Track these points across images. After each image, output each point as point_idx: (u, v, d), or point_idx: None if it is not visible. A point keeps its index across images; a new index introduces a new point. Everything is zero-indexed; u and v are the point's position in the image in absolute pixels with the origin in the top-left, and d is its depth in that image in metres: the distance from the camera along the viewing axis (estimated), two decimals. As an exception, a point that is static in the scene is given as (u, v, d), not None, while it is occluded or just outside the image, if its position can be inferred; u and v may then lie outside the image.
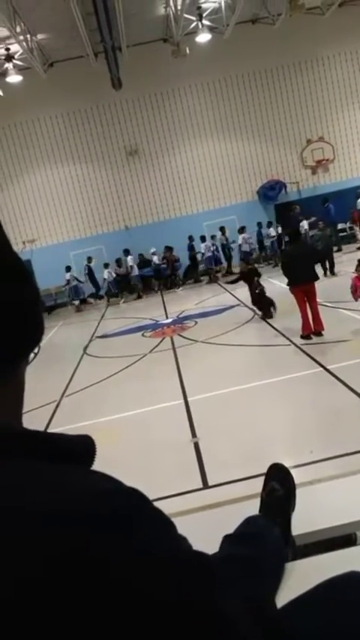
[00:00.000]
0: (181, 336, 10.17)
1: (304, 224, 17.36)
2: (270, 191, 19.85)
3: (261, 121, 19.93)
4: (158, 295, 17.70)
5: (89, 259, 18.48)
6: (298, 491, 1.84)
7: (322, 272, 11.97)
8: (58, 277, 18.05)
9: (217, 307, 12.66)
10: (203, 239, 18.48)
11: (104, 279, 18.09)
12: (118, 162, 19.71)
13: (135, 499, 0.55)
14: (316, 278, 7.93)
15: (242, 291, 14.52)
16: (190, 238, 18.63)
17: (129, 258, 18.32)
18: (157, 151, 19.75)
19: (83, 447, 0.61)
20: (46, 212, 19.70)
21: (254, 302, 10.04)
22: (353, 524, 1.97)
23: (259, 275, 10.24)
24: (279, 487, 1.72)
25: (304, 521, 1.85)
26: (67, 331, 14.94)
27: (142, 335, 11.17)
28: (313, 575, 1.71)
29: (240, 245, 18.07)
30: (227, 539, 1.48)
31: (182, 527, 2.21)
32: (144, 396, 6.84)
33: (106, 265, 18.15)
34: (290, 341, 7.87)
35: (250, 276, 10.10)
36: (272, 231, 18.57)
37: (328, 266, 12.99)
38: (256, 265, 13.02)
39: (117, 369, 8.43)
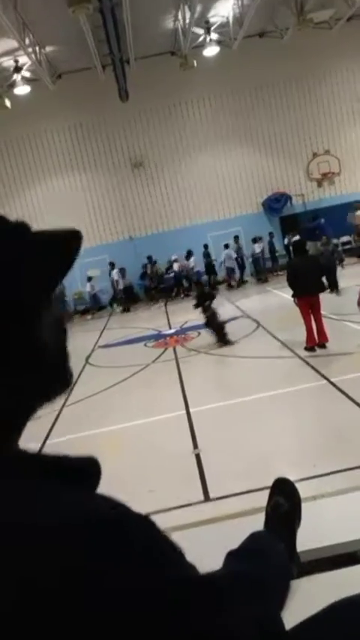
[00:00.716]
0: (184, 346, 10.13)
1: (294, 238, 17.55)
2: (275, 203, 19.89)
3: (267, 133, 20.03)
4: (149, 307, 17.82)
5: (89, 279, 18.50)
6: (303, 506, 1.80)
7: (329, 289, 11.50)
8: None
9: (221, 318, 12.60)
10: (190, 254, 18.59)
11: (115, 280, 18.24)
12: (123, 173, 19.81)
13: (142, 526, 0.54)
14: (322, 290, 7.90)
15: (245, 302, 14.52)
16: (205, 247, 18.82)
17: (114, 272, 18.32)
18: (162, 162, 19.84)
19: (87, 469, 0.59)
20: (51, 222, 19.71)
21: (207, 326, 9.85)
22: (358, 542, 1.91)
23: (211, 298, 10.20)
24: (284, 502, 1.67)
25: (308, 537, 1.80)
26: (69, 340, 14.92)
27: (145, 345, 11.13)
28: (318, 593, 1.65)
29: (223, 261, 18.09)
30: (231, 555, 1.43)
31: (184, 541, 2.14)
32: (146, 406, 6.78)
33: (112, 265, 18.35)
34: (294, 353, 7.81)
35: (203, 300, 10.03)
36: (257, 248, 18.49)
37: (330, 282, 12.69)
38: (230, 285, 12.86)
39: (119, 379, 8.38)
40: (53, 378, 0.66)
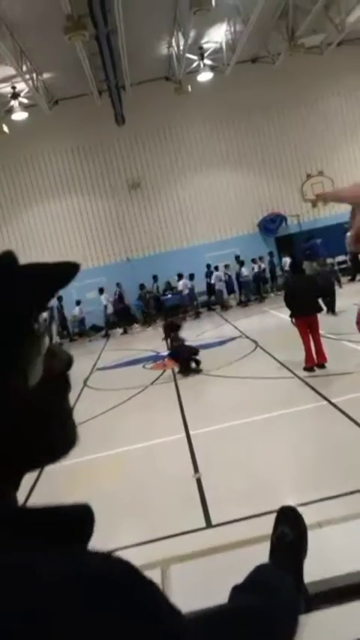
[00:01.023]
0: (182, 367, 10.06)
1: (287, 261, 17.69)
2: (271, 224, 20.06)
3: (262, 155, 20.29)
4: (144, 328, 17.83)
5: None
6: (308, 534, 1.75)
7: (325, 310, 11.05)
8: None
9: (219, 339, 12.59)
10: (181, 277, 18.60)
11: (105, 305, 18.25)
12: (120, 194, 19.98)
13: (136, 581, 0.51)
14: (319, 310, 7.91)
15: (243, 322, 14.51)
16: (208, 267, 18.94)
17: (102, 297, 18.36)
18: (159, 184, 20.04)
19: (76, 523, 0.56)
20: (48, 243, 19.86)
21: (171, 356, 9.79)
22: (368, 572, 1.86)
23: (176, 329, 10.20)
24: (290, 531, 1.62)
25: (315, 567, 1.75)
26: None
27: (143, 367, 11.08)
28: (328, 628, 1.60)
29: (214, 283, 18.14)
30: (237, 589, 1.38)
31: (187, 574, 2.07)
32: (145, 429, 6.71)
33: (101, 290, 18.40)
34: (293, 373, 7.77)
35: (169, 330, 10.04)
36: (245, 271, 18.56)
37: (327, 303, 11.77)
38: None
39: (117, 402, 8.31)
40: (47, 440, 0.63)
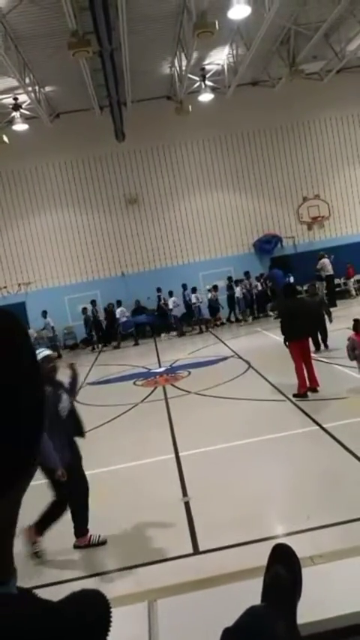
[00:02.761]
0: (174, 386, 10.00)
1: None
2: (266, 244, 20.17)
3: (259, 177, 20.47)
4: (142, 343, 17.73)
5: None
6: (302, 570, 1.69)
7: (314, 347, 9.53)
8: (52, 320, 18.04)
9: (211, 358, 12.54)
10: (170, 294, 18.57)
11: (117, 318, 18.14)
12: (117, 209, 20.03)
13: None
14: (313, 334, 7.89)
15: (236, 342, 14.48)
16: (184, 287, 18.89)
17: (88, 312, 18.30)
18: (156, 200, 20.13)
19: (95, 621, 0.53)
20: (43, 256, 19.83)
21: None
22: (362, 614, 1.80)
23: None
24: (284, 572, 1.56)
25: (307, 608, 1.68)
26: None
27: (134, 383, 10.98)
28: None
29: (171, 309, 18.15)
30: (229, 632, 1.32)
31: (175, 609, 1.98)
32: (134, 448, 6.62)
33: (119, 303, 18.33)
34: (285, 397, 7.72)
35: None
36: (238, 291, 18.50)
37: (320, 337, 10.53)
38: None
39: (106, 419, 8.21)
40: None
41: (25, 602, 0.54)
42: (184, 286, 18.81)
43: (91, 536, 4.27)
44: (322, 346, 10.52)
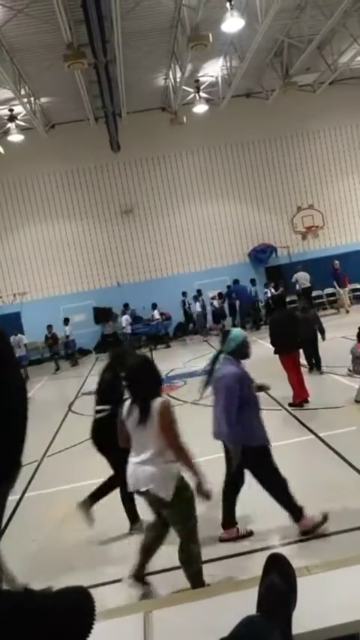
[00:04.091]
0: (170, 396, 9.97)
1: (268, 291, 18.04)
2: (261, 254, 20.26)
3: (254, 187, 20.60)
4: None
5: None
6: (297, 580, 1.68)
7: (307, 368, 8.99)
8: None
9: (207, 367, 12.50)
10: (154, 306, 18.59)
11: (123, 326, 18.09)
12: (112, 219, 20.10)
13: None
14: (299, 346, 7.81)
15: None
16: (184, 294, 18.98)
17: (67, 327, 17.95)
18: (151, 211, 20.22)
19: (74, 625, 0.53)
20: (39, 266, 19.84)
21: None
22: (357, 624, 1.80)
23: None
24: (279, 581, 1.56)
25: (303, 618, 1.68)
26: (52, 387, 14.67)
27: (130, 393, 10.93)
28: None
29: (124, 327, 18.17)
30: (226, 644, 1.32)
31: (170, 620, 1.98)
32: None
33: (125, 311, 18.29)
34: (281, 405, 7.72)
35: None
36: (197, 306, 18.59)
37: (313, 360, 9.40)
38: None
39: (102, 429, 8.17)
40: None
41: (10, 600, 0.54)
42: (184, 294, 18.89)
43: (238, 529, 4.23)
44: (315, 370, 9.25)
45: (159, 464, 3.29)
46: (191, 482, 3.37)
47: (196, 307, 18.51)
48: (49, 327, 17.24)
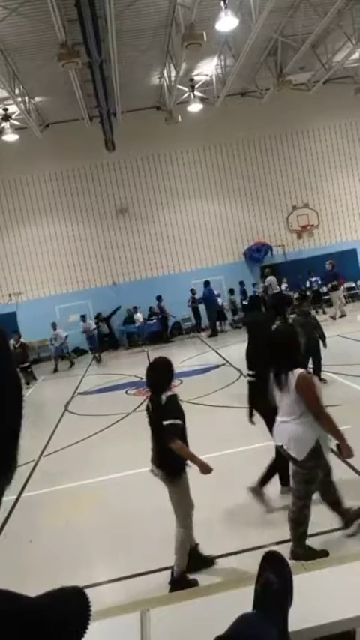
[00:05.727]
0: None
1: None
2: (256, 253, 20.29)
3: (249, 186, 20.63)
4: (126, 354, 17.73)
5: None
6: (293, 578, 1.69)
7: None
8: (42, 330, 17.90)
9: (203, 366, 12.55)
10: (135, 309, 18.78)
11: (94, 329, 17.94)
12: (108, 219, 20.09)
13: None
14: (305, 365, 7.67)
15: (227, 349, 14.50)
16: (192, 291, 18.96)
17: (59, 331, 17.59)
18: (146, 210, 20.21)
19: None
20: (34, 266, 19.81)
21: None
22: (352, 620, 1.81)
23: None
24: (275, 579, 1.55)
25: (299, 615, 1.69)
26: (48, 387, 14.65)
27: (126, 393, 10.96)
28: None
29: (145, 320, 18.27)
30: (221, 640, 1.32)
31: (167, 618, 1.99)
32: (126, 457, 6.59)
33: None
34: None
35: None
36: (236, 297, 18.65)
37: (312, 367, 8.39)
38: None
39: (99, 428, 8.19)
40: None
41: (3, 600, 0.54)
42: (192, 291, 18.79)
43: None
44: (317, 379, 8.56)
45: (297, 425, 3.63)
46: (332, 443, 3.70)
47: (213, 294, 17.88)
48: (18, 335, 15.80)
